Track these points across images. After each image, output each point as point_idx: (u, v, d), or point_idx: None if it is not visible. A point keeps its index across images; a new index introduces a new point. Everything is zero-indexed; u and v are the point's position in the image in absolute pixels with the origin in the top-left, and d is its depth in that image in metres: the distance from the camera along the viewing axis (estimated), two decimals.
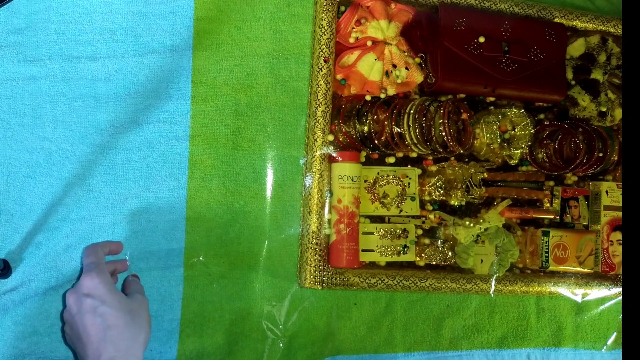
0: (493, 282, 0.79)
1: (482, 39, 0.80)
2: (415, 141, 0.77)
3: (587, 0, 0.93)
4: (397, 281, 0.75)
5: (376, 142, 0.77)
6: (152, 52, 0.73)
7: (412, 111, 0.76)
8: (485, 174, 0.82)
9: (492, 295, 0.80)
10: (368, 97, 0.78)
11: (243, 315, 0.74)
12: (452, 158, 0.82)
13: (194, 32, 0.75)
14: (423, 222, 0.81)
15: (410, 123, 0.76)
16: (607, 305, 0.88)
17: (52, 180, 0.70)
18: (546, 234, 0.82)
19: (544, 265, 0.82)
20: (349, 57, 0.78)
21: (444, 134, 0.76)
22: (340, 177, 0.75)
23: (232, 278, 0.74)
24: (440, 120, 0.76)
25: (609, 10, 0.91)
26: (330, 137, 0.76)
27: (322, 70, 0.75)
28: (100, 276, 0.60)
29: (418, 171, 0.81)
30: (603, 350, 0.88)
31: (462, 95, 0.82)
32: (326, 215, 0.75)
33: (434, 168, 0.82)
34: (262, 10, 0.77)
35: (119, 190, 0.72)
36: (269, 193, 0.76)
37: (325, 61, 0.75)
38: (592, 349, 0.87)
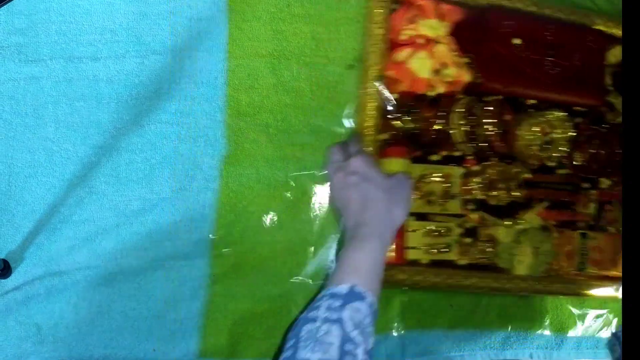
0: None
1: (518, 41, 0.81)
2: (461, 140, 0.77)
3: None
4: (441, 279, 0.76)
5: (423, 140, 0.78)
6: (154, 53, 0.73)
7: (458, 110, 0.77)
8: (526, 174, 0.83)
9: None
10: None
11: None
12: (495, 158, 0.82)
13: (195, 32, 0.75)
14: (465, 222, 0.81)
15: (457, 122, 0.77)
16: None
17: (54, 181, 0.71)
18: (583, 236, 0.83)
19: (580, 268, 0.82)
20: (400, 54, 0.79)
21: (488, 133, 0.77)
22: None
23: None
24: (486, 120, 0.77)
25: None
26: (385, 136, 0.77)
27: (374, 67, 0.75)
28: (364, 157, 0.69)
29: (461, 170, 0.81)
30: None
31: (505, 97, 0.83)
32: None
33: (476, 168, 0.82)
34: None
35: (122, 191, 0.72)
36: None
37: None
38: (595, 348, 0.88)
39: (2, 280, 0.69)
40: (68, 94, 0.72)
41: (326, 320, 0.54)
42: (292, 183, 0.77)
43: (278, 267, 0.76)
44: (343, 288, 0.58)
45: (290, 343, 0.55)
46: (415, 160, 0.79)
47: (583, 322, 0.88)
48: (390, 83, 0.78)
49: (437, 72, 0.79)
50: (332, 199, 0.73)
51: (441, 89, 0.79)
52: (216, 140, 0.75)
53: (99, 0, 0.73)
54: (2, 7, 0.55)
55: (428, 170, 0.79)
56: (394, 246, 0.75)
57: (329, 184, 0.75)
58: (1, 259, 0.68)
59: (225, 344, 0.74)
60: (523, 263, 0.81)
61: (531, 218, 0.82)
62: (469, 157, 0.81)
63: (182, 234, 0.73)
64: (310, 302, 0.61)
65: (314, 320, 0.55)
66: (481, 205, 0.82)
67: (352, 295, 0.57)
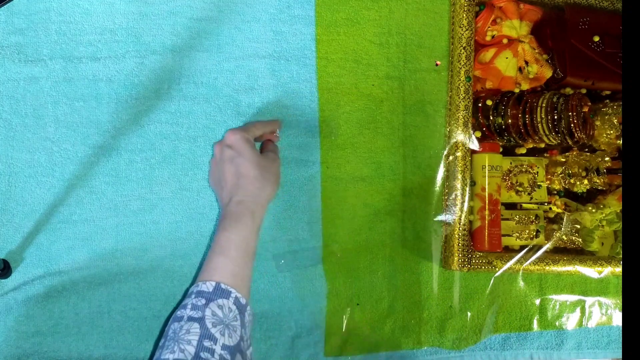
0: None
1: (596, 38, 0.84)
2: (547, 132, 0.81)
3: None
4: (537, 266, 0.80)
5: (513, 134, 0.82)
6: (153, 53, 0.73)
7: (543, 104, 0.81)
8: (606, 162, 0.86)
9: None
10: None
11: None
12: (575, 148, 0.86)
13: (195, 32, 0.75)
14: (550, 209, 0.86)
15: (542, 116, 0.80)
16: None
17: (53, 181, 0.71)
18: None
19: None
20: (485, 54, 0.82)
21: (572, 125, 0.80)
22: (483, 167, 0.80)
23: None
24: (567, 113, 0.80)
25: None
26: (478, 134, 0.82)
27: (463, 67, 0.79)
28: (241, 133, 0.68)
29: (545, 161, 0.86)
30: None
31: (584, 91, 0.86)
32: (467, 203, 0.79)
33: (560, 158, 0.86)
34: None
35: (122, 191, 0.72)
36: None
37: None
38: (595, 348, 0.88)
39: (2, 280, 0.69)
40: (68, 94, 0.72)
41: (190, 319, 0.57)
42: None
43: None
44: (209, 285, 0.60)
45: (160, 342, 0.58)
46: (504, 153, 0.84)
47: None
48: (477, 82, 0.83)
49: (521, 69, 0.84)
50: (210, 175, 0.73)
51: (526, 86, 0.84)
52: (216, 141, 0.75)
53: (99, 0, 0.73)
54: (2, 7, 0.55)
55: (516, 163, 0.84)
56: (487, 232, 0.79)
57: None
58: (1, 259, 0.68)
59: None
60: (606, 245, 0.85)
61: (612, 203, 0.85)
62: (552, 149, 0.87)
63: (182, 234, 0.73)
64: (185, 295, 0.62)
65: (180, 319, 0.57)
66: (565, 193, 0.87)
67: (217, 293, 0.59)
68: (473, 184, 0.81)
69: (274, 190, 0.70)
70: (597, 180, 0.86)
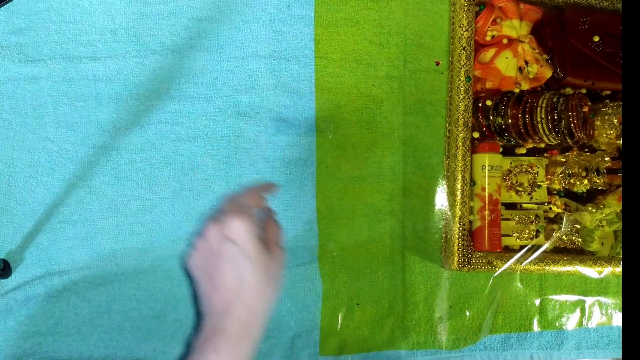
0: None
1: (596, 38, 0.84)
2: (547, 132, 0.81)
3: None
4: (537, 266, 0.80)
5: (511, 134, 0.82)
6: (153, 53, 0.73)
7: (543, 104, 0.81)
8: (606, 162, 0.86)
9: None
10: None
11: None
12: (575, 148, 0.86)
13: (195, 32, 0.75)
14: (550, 209, 0.86)
15: (543, 115, 0.80)
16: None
17: (53, 181, 0.71)
18: None
19: None
20: (485, 54, 0.83)
21: (570, 125, 0.80)
22: (483, 167, 0.80)
23: None
24: (567, 113, 0.80)
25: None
26: (476, 134, 0.82)
27: (463, 67, 0.79)
28: (250, 225, 0.55)
29: (545, 161, 0.86)
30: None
31: (584, 91, 0.86)
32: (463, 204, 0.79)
33: (560, 158, 0.86)
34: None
35: (122, 191, 0.72)
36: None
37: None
38: (595, 348, 0.88)
39: (2, 280, 0.69)
40: (68, 93, 0.72)
41: None
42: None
43: None
44: None
45: None
46: (504, 153, 0.84)
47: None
48: (477, 82, 0.83)
49: (521, 69, 0.84)
50: (194, 260, 0.56)
51: (526, 86, 0.83)
52: (216, 141, 0.75)
53: (99, 0, 0.73)
54: (2, 7, 0.55)
55: (516, 163, 0.84)
56: (487, 231, 0.79)
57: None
58: (1, 259, 0.68)
59: None
60: (606, 245, 0.85)
61: (611, 203, 0.85)
62: (552, 149, 0.87)
63: (182, 234, 0.73)
64: None
65: None
66: (565, 193, 0.87)
67: None
68: (473, 184, 0.81)
69: (275, 298, 0.57)
70: (597, 180, 0.86)
